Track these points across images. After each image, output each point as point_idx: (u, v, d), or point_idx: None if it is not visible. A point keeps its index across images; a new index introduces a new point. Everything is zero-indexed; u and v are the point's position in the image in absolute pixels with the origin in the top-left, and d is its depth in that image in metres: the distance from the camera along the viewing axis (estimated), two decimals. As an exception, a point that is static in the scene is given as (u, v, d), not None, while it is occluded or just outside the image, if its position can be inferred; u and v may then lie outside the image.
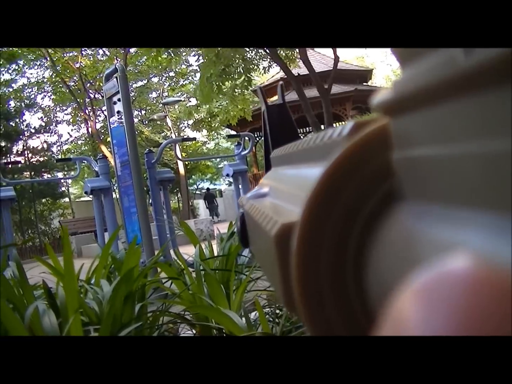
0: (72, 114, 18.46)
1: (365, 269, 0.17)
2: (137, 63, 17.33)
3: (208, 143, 23.79)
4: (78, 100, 16.42)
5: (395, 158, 0.16)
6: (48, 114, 18.49)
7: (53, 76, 16.75)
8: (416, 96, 0.13)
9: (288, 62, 10.91)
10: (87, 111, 16.71)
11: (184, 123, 21.59)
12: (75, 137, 19.77)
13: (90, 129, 17.38)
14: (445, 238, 0.12)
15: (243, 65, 10.63)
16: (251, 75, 11.09)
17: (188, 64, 18.64)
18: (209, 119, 18.32)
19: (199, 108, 17.99)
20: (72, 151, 19.02)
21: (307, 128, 15.37)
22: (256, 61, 11.28)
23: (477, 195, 0.11)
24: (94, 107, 16.72)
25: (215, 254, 2.15)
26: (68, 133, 28.02)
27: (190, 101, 19.30)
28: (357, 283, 0.17)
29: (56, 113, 18.69)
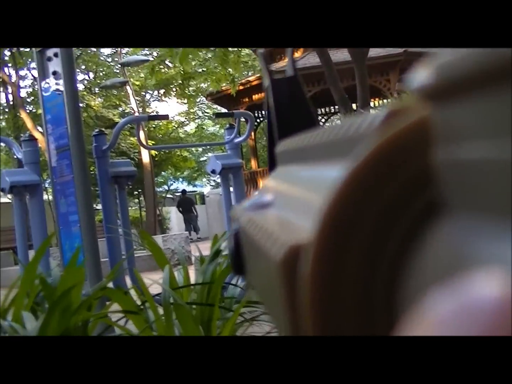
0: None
1: (398, 295, 0.18)
2: None
3: (187, 124, 23.90)
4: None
5: (439, 158, 0.17)
6: None
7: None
8: (471, 79, 0.13)
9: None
10: (6, 70, 16.74)
11: (151, 94, 21.69)
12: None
13: (10, 97, 17.42)
14: (501, 259, 0.12)
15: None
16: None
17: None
18: (181, 82, 18.33)
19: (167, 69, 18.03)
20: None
21: (332, 107, 15.45)
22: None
23: None
24: (17, 65, 16.75)
25: (192, 282, 2.16)
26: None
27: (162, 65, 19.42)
28: (388, 311, 0.19)
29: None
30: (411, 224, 0.18)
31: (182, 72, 17.06)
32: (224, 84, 12.65)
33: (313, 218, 0.19)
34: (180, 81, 18.28)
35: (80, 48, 17.89)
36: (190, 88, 19.23)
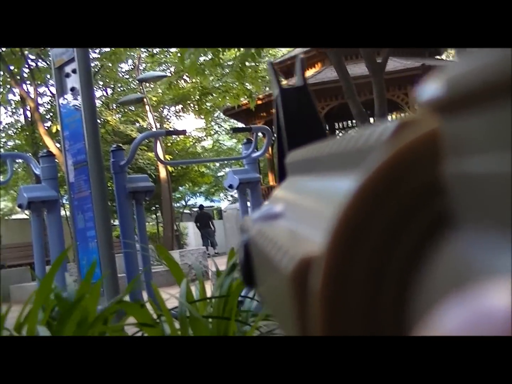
0: (2, 90, 18.64)
1: (407, 307, 0.19)
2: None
3: (204, 140, 24.01)
4: (12, 68, 16.51)
5: (447, 170, 0.17)
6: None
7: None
8: (480, 93, 0.13)
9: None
10: (24, 86, 16.89)
11: (169, 110, 21.83)
12: (6, 123, 20.01)
13: (29, 113, 17.58)
14: (509, 270, 0.13)
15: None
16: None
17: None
18: (198, 97, 18.45)
19: (186, 84, 18.13)
20: (1, 144, 19.27)
21: (349, 121, 15.48)
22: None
23: None
24: (36, 81, 16.91)
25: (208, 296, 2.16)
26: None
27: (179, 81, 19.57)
28: (397, 323, 0.19)
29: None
30: (419, 235, 0.18)
31: (200, 88, 17.19)
32: (242, 99, 12.72)
33: (322, 230, 0.19)
34: (198, 97, 18.41)
35: (98, 64, 18.06)
36: (208, 104, 19.35)
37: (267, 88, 13.31)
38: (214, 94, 15.92)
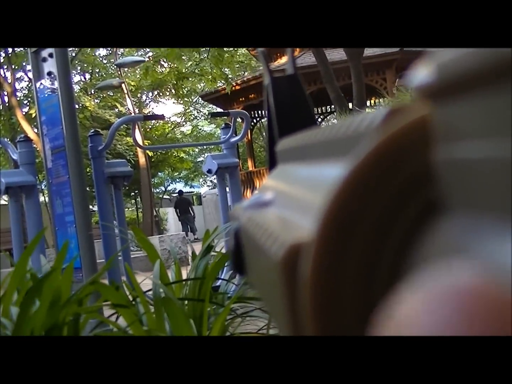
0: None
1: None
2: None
3: (183, 125, 23.87)
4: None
5: (438, 157, 0.17)
6: None
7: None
8: (471, 78, 0.13)
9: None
10: (1, 71, 16.70)
11: (147, 95, 21.66)
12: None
13: (6, 98, 17.37)
14: (500, 258, 0.13)
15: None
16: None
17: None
18: (176, 82, 18.29)
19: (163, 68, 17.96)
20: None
21: (328, 107, 15.42)
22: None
23: None
24: (12, 65, 16.71)
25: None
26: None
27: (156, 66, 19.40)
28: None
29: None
30: (410, 222, 0.18)
31: (176, 72, 17.05)
32: (219, 84, 12.63)
33: (313, 216, 0.19)
34: (175, 81, 18.25)
35: (76, 49, 17.84)
36: (185, 89, 19.18)
37: (245, 73, 13.22)
38: (190, 79, 15.78)
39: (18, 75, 17.99)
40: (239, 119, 5.78)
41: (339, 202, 0.18)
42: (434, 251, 0.16)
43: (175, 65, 15.53)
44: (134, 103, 19.44)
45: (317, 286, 0.18)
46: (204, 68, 13.19)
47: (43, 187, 12.91)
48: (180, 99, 20.45)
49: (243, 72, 15.50)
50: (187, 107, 22.05)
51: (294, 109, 0.70)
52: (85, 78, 20.54)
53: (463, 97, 0.14)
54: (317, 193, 0.24)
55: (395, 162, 0.17)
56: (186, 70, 15.53)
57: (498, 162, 0.13)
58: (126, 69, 18.05)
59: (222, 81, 12.46)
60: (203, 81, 12.57)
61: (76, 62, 18.40)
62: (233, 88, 13.45)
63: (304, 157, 0.33)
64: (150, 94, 21.52)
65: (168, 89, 19.83)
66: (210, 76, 12.28)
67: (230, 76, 12.57)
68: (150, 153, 18.47)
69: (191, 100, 21.55)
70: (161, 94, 20.57)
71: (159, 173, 23.91)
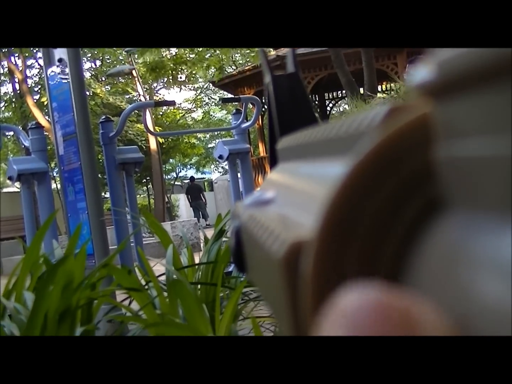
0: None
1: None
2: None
3: (194, 111, 23.90)
4: None
5: (440, 155, 0.17)
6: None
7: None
8: (473, 76, 0.13)
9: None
10: (12, 59, 16.76)
11: (157, 82, 21.68)
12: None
13: (17, 86, 17.45)
14: (501, 257, 0.13)
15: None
16: None
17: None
18: (173, 65, 18.30)
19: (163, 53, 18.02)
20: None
21: (339, 92, 15.41)
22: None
23: None
24: (23, 53, 16.77)
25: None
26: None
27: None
28: None
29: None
30: (411, 221, 0.18)
31: (174, 57, 17.08)
32: (231, 71, 12.66)
33: (314, 215, 0.20)
34: (172, 65, 18.27)
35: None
36: (183, 75, 19.23)
37: (237, 57, 13.23)
38: (186, 64, 15.82)
39: (29, 63, 18.05)
40: (250, 105, 5.77)
41: (340, 201, 0.18)
42: (435, 250, 0.16)
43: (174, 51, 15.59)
44: (145, 89, 19.46)
45: (318, 284, 0.19)
46: (199, 52, 13.23)
47: (54, 174, 12.98)
48: (192, 84, 20.49)
49: (248, 60, 15.48)
50: (197, 94, 22.08)
51: (295, 107, 0.71)
52: (95, 65, 20.58)
53: (465, 95, 0.14)
54: (318, 191, 0.25)
55: (396, 160, 0.18)
56: (185, 55, 15.59)
57: (499, 160, 0.13)
58: (136, 55, 18.07)
59: (233, 68, 12.52)
60: (195, 68, 12.64)
61: (87, 49, 18.42)
62: (244, 73, 13.46)
63: (305, 155, 0.33)
64: (161, 81, 21.55)
65: (168, 74, 19.85)
66: (204, 64, 12.34)
67: (224, 62, 12.60)
68: (161, 140, 18.54)
69: (200, 86, 21.58)
70: (169, 81, 20.59)
71: (171, 160, 23.99)
